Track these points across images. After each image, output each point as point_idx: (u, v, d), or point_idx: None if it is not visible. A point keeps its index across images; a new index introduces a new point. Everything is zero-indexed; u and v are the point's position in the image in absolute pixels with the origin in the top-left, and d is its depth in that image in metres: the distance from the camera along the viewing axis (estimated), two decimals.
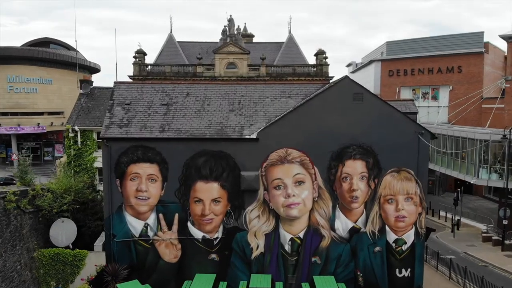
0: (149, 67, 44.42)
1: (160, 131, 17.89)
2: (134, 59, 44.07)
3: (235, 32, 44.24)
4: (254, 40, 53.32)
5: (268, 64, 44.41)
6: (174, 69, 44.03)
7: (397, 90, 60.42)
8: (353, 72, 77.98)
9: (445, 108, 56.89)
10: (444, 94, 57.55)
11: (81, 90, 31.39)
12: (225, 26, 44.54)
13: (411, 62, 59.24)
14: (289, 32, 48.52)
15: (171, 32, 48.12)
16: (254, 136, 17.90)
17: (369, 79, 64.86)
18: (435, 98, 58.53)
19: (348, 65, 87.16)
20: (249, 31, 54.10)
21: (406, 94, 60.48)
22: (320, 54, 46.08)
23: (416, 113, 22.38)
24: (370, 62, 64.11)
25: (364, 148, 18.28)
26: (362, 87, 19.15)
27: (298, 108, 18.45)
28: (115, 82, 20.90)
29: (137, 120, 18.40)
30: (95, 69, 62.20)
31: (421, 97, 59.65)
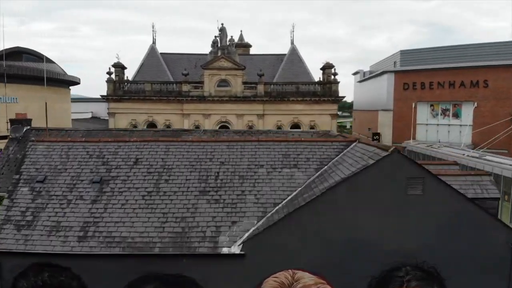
0: (127, 85, 37.67)
1: (80, 238, 10.99)
2: (108, 75, 37.33)
3: (228, 44, 37.39)
4: (252, 50, 46.58)
5: (267, 82, 37.64)
6: (155, 87, 37.33)
7: (413, 106, 53.44)
8: (360, 81, 71.12)
9: (468, 127, 50.02)
10: (467, 112, 50.52)
11: (10, 134, 23.10)
12: (215, 37, 37.75)
13: (429, 75, 52.29)
14: (292, 42, 41.71)
15: (153, 42, 41.33)
16: (237, 249, 10.90)
17: (381, 92, 58.05)
18: (456, 115, 51.56)
19: (355, 73, 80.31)
20: (247, 39, 47.46)
21: (423, 110, 53.61)
22: (327, 68, 39.37)
23: (498, 199, 14.49)
24: (382, 73, 57.14)
25: (425, 271, 11.31)
26: (422, 168, 11.91)
27: (313, 201, 11.39)
28: (30, 141, 13.93)
29: (47, 215, 11.48)
30: (73, 82, 55.43)
31: (441, 114, 52.72)
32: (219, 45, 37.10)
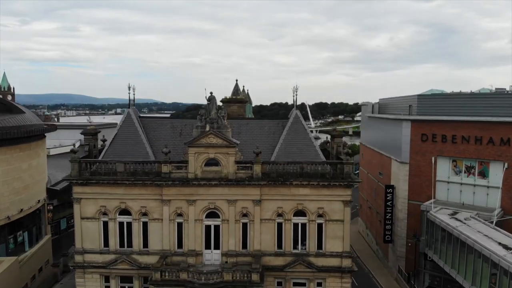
0: (95, 164, 31.08)
1: None
2: (73, 153, 30.73)
3: (218, 115, 30.74)
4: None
5: (265, 161, 31.06)
6: (129, 167, 30.77)
7: (433, 160, 46.94)
8: (370, 117, 64.41)
9: (497, 189, 43.49)
10: (496, 171, 43.99)
11: None
12: (201, 109, 31.08)
13: (452, 126, 45.69)
14: (295, 106, 34.96)
15: (130, 105, 34.67)
16: None
17: (395, 138, 51.49)
18: (483, 175, 44.99)
19: (363, 104, 73.71)
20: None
21: (444, 165, 47.08)
22: (337, 137, 32.82)
23: None
24: (398, 120, 50.38)
25: None
26: None
27: None
28: None
29: None
30: (48, 130, 49.11)
31: (465, 172, 46.14)
32: (207, 117, 30.46)
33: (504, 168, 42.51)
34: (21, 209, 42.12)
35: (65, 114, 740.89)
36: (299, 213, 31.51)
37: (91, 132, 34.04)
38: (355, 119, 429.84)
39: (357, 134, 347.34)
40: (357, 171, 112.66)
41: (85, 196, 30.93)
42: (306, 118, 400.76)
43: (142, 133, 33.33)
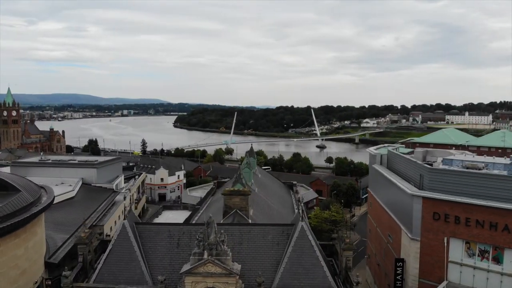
0: None
1: None
2: (66, 278, 28.99)
3: (217, 240, 28.78)
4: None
5: None
6: None
7: (445, 241, 44.75)
8: (379, 172, 62.03)
9: (511, 278, 41.34)
10: (510, 259, 41.82)
11: None
12: (199, 236, 29.08)
13: (466, 209, 43.52)
14: (301, 217, 32.77)
15: (125, 217, 32.78)
16: None
17: (406, 209, 49.37)
18: (497, 260, 42.86)
19: (370, 153, 71.06)
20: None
21: (457, 247, 44.98)
22: (346, 250, 30.87)
23: None
24: (409, 195, 48.06)
25: None
26: None
27: None
28: None
29: None
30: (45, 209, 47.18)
31: (478, 255, 43.95)
32: (205, 243, 28.52)
33: None
34: None
35: (71, 116, 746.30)
36: None
37: (84, 242, 32.29)
38: (362, 125, 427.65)
39: (363, 142, 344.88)
40: (366, 195, 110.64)
41: None
42: (312, 124, 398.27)
43: (138, 249, 31.45)
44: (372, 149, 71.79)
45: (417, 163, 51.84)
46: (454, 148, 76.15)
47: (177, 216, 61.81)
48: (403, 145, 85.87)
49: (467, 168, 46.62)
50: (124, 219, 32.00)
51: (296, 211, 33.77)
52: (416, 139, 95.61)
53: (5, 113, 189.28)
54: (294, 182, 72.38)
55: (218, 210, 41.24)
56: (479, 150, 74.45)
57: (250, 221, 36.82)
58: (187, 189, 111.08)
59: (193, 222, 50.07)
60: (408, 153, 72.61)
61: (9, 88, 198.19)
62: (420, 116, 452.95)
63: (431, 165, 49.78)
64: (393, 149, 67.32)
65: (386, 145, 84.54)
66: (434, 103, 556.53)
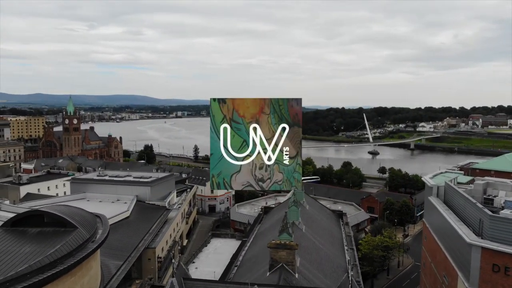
0: None
1: None
2: None
3: None
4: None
5: None
6: None
7: None
8: (436, 208, 59.24)
9: None
10: None
11: None
12: None
13: None
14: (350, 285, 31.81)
15: (174, 274, 33.42)
16: None
17: (463, 255, 46.68)
18: None
19: (426, 184, 67.99)
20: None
21: None
22: None
23: None
24: (468, 244, 45.40)
25: None
26: None
27: None
28: None
29: None
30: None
31: None
32: None
33: None
34: None
35: (129, 117, 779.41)
36: None
37: None
38: (417, 129, 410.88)
39: (419, 147, 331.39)
40: (421, 212, 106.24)
41: None
42: (364, 128, 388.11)
43: None
44: (428, 178, 68.69)
45: (476, 206, 48.85)
46: None
47: (225, 246, 62.56)
48: (462, 171, 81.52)
49: None
50: (173, 276, 32.67)
51: (345, 275, 32.87)
52: (476, 166, 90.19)
53: (66, 121, 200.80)
54: (344, 212, 70.83)
55: (264, 256, 41.18)
56: None
57: (297, 275, 36.37)
58: (235, 205, 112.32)
59: (240, 258, 50.47)
60: (467, 183, 68.89)
61: (70, 97, 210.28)
62: (480, 120, 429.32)
63: (491, 202, 46.71)
64: (450, 180, 63.97)
65: (443, 170, 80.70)
66: (495, 105, 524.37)
